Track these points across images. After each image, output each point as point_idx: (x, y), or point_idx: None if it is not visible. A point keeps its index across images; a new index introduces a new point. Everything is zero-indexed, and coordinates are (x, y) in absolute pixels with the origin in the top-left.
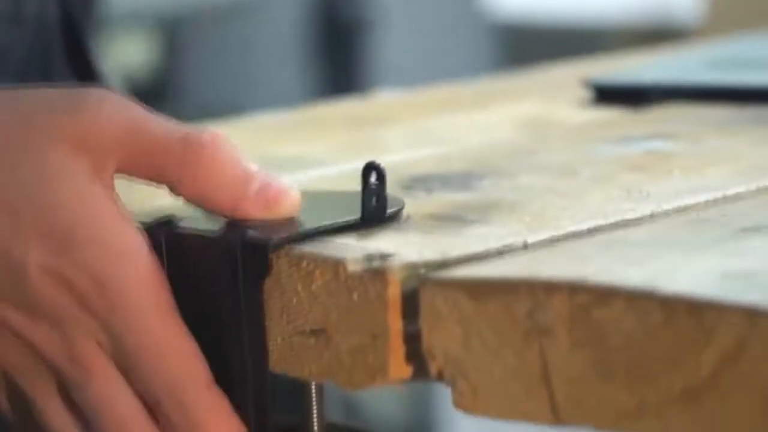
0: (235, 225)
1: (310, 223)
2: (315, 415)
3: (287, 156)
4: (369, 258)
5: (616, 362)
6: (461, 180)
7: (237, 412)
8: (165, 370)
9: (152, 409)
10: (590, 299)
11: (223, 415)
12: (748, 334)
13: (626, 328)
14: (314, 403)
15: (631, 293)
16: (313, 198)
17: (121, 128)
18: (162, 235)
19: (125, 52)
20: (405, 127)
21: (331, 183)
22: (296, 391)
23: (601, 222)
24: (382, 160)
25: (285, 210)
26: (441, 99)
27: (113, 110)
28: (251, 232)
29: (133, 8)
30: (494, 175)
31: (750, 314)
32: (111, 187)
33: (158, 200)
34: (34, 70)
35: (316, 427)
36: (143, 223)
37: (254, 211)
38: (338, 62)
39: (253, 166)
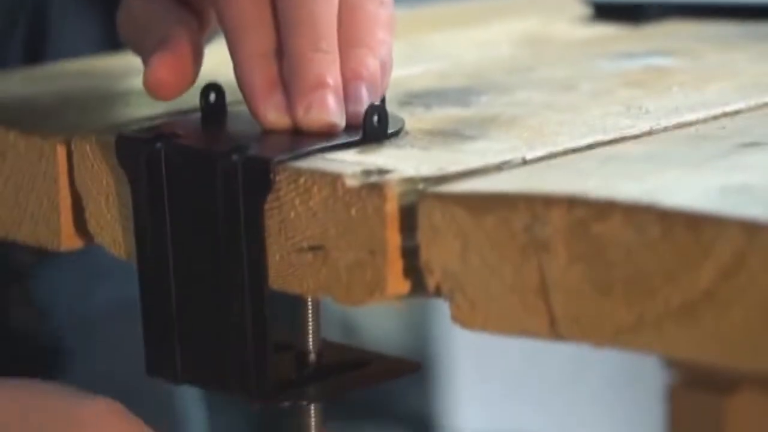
0: (237, 142)
1: (311, 141)
2: (311, 333)
3: None
4: (367, 173)
5: (615, 277)
6: (459, 96)
7: (236, 328)
8: None
9: None
10: (589, 213)
11: None
12: (747, 248)
13: (625, 242)
14: (310, 320)
15: (629, 207)
16: None
17: None
18: (162, 149)
19: None
20: (403, 44)
21: None
22: (294, 310)
23: (599, 138)
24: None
25: None
26: (439, 16)
27: (115, 428)
28: (253, 150)
29: None
30: (493, 90)
31: (748, 228)
32: None
33: (158, 115)
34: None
35: (311, 345)
36: (142, 137)
37: None
38: None
39: None
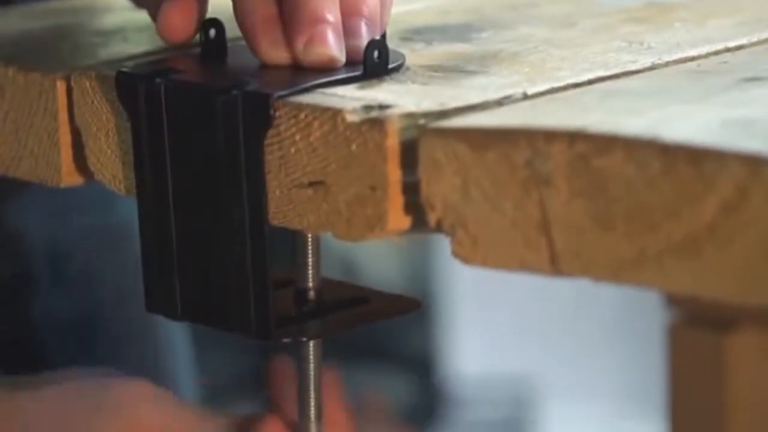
0: (237, 78)
1: (312, 76)
2: (310, 270)
3: None
4: (367, 108)
5: (616, 212)
6: (460, 32)
7: (236, 264)
8: None
9: None
10: (590, 148)
11: None
12: (749, 182)
13: (626, 176)
14: (310, 257)
15: (631, 142)
16: None
17: (157, 427)
18: (162, 85)
19: None
20: None
21: None
22: (293, 248)
23: (601, 73)
24: None
25: None
26: None
27: (149, 409)
28: (253, 85)
29: None
30: (494, 26)
31: (750, 162)
32: None
33: (157, 51)
34: None
35: (311, 282)
36: (142, 73)
37: None
38: None
39: None
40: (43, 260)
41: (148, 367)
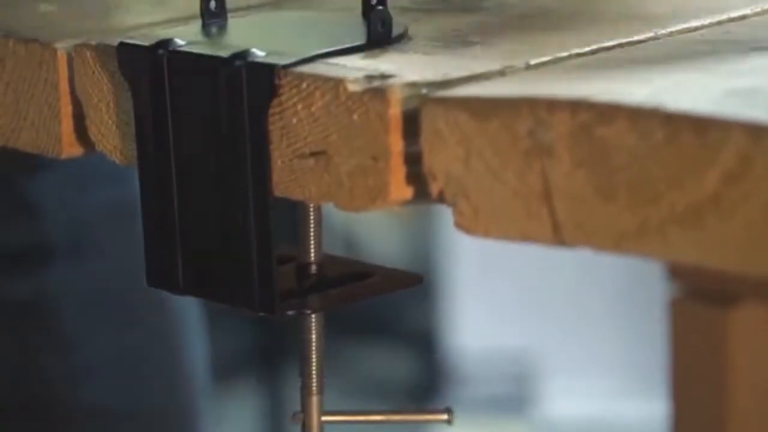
0: (239, 48)
1: (315, 46)
2: (312, 244)
3: None
4: (369, 78)
5: (618, 181)
6: (463, 2)
7: (240, 236)
8: None
9: None
10: (592, 117)
11: None
12: (753, 152)
13: (629, 146)
14: (312, 231)
15: (633, 111)
16: (317, 20)
17: None
18: (164, 56)
19: None
20: None
21: (335, 5)
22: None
23: (604, 43)
24: None
25: None
26: None
27: None
28: (257, 56)
29: None
30: None
31: (754, 131)
32: None
33: (158, 22)
34: None
35: (312, 256)
36: (144, 45)
37: None
38: None
39: None
40: (62, 232)
41: (163, 337)
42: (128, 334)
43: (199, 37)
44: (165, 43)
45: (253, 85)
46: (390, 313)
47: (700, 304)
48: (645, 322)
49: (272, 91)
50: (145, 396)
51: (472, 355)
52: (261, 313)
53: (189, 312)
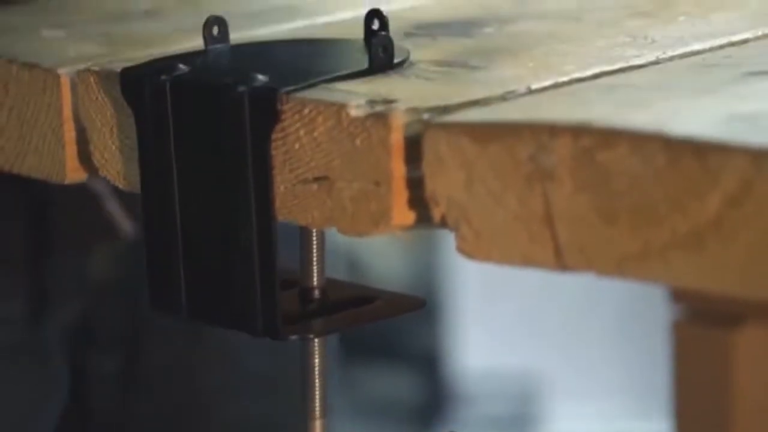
0: (242, 74)
1: (318, 72)
2: (315, 269)
3: (278, 5)
4: (372, 103)
5: (620, 205)
6: (465, 27)
7: (243, 261)
8: None
9: None
10: (594, 142)
11: None
12: (753, 176)
13: (630, 170)
14: (315, 256)
15: (635, 135)
16: (320, 46)
17: None
18: (167, 82)
19: None
20: None
21: (335, 31)
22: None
23: (605, 68)
24: (385, 8)
25: None
26: None
27: None
28: (259, 81)
29: None
30: (498, 21)
31: (755, 156)
32: None
33: (161, 48)
34: None
35: (315, 281)
36: (147, 70)
37: None
38: None
39: None
40: None
41: None
42: None
43: (202, 63)
44: (168, 69)
45: (256, 110)
46: (394, 333)
47: (703, 326)
48: (647, 343)
49: (275, 117)
50: None
51: (475, 376)
52: (265, 337)
53: None
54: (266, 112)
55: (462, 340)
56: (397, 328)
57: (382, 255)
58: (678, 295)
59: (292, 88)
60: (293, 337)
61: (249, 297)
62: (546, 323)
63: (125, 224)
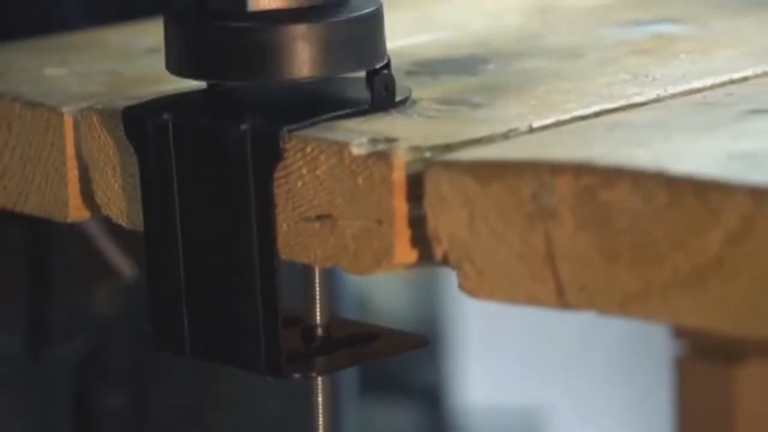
0: (245, 112)
1: (319, 110)
2: (319, 308)
3: None
4: (374, 142)
5: (622, 244)
6: (467, 64)
7: (246, 299)
8: None
9: None
10: (596, 181)
11: None
12: (754, 214)
13: (632, 209)
14: (318, 295)
15: (636, 174)
16: (321, 84)
17: None
18: (169, 121)
19: None
20: (409, 13)
21: None
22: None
23: (607, 106)
24: (386, 46)
25: None
26: None
27: None
28: (261, 119)
29: None
30: (500, 59)
31: (756, 194)
32: None
33: (164, 87)
34: None
35: (319, 319)
36: (150, 109)
37: None
38: None
39: None
40: None
41: None
42: None
43: (204, 101)
44: (170, 107)
45: (258, 148)
46: (397, 369)
47: (705, 362)
48: (649, 378)
49: (277, 155)
50: None
51: (478, 411)
52: (268, 376)
53: None
54: (268, 150)
55: (465, 375)
56: (399, 363)
57: (385, 288)
58: (680, 331)
59: (294, 126)
60: (296, 376)
61: (251, 336)
62: (548, 359)
63: (123, 265)
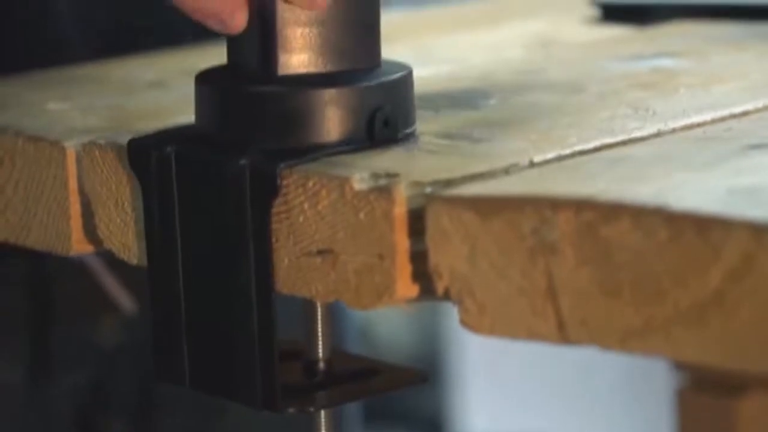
0: (245, 147)
1: (320, 146)
2: (320, 342)
3: None
4: (375, 177)
5: (623, 279)
6: (468, 98)
7: (243, 333)
8: None
9: None
10: (597, 216)
11: None
12: (755, 250)
13: (633, 245)
14: (320, 329)
15: (638, 210)
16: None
17: None
18: (172, 154)
19: None
20: (411, 47)
21: None
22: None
23: (607, 140)
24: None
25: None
26: (447, 18)
27: None
28: (260, 154)
29: None
30: (501, 93)
31: (756, 230)
32: None
33: (167, 120)
34: None
35: (321, 353)
36: (153, 141)
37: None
38: None
39: None
40: None
41: None
42: None
43: (207, 134)
44: (173, 140)
45: (256, 184)
46: (399, 399)
47: (707, 395)
48: (652, 406)
49: (275, 191)
50: None
51: None
52: (264, 410)
53: None
54: (266, 186)
55: (467, 405)
56: (402, 394)
57: (387, 319)
58: (681, 364)
59: (293, 162)
60: (291, 410)
61: (248, 369)
62: (550, 387)
63: (123, 299)
